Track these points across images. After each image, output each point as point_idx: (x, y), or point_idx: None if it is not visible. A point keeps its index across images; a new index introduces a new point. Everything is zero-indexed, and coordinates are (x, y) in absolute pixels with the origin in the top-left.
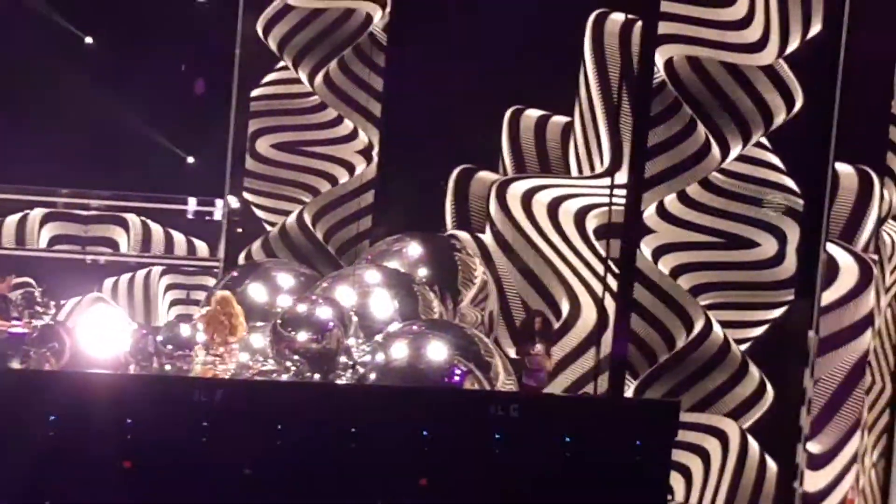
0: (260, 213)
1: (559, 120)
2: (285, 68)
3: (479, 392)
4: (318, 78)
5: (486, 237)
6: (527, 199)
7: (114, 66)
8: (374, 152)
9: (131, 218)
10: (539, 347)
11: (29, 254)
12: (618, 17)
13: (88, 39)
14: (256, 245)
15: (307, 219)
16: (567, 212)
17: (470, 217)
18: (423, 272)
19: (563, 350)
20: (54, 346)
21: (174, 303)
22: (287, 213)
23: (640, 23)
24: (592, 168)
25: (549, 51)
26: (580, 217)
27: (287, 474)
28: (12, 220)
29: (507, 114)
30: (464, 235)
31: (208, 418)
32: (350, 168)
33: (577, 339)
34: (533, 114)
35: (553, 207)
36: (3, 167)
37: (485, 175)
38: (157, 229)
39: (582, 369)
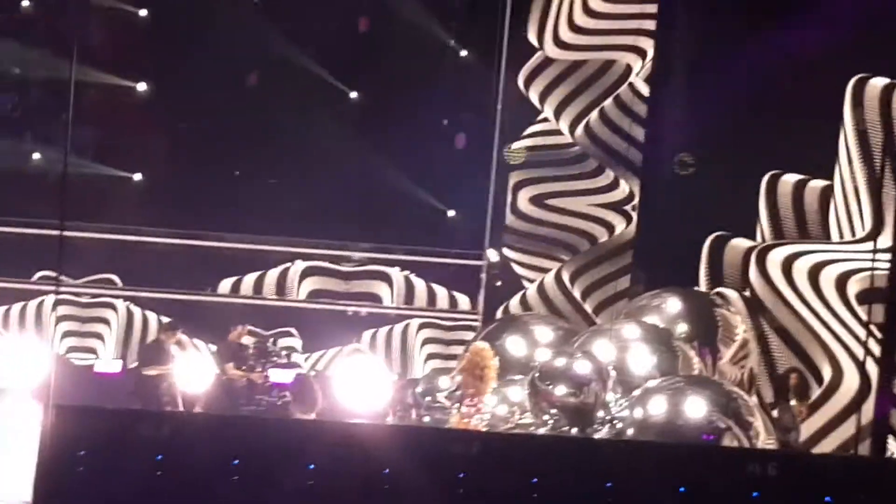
0: (519, 270)
1: (817, 184)
2: (546, 120)
3: (737, 449)
4: (579, 129)
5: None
6: (787, 264)
7: (376, 121)
8: (632, 206)
9: (394, 272)
10: (794, 404)
11: (291, 305)
12: (878, 82)
13: (353, 94)
14: (515, 301)
15: (565, 277)
16: (828, 277)
17: (724, 284)
18: (682, 328)
19: (824, 417)
20: (308, 396)
21: (431, 356)
22: (545, 270)
23: None
24: (853, 232)
25: (806, 114)
26: (841, 282)
27: None
28: (274, 272)
29: (765, 179)
30: (730, 293)
31: (465, 470)
32: (609, 227)
33: (838, 405)
34: (791, 178)
35: (814, 273)
36: (266, 220)
37: (739, 242)
38: (419, 283)
39: (845, 435)
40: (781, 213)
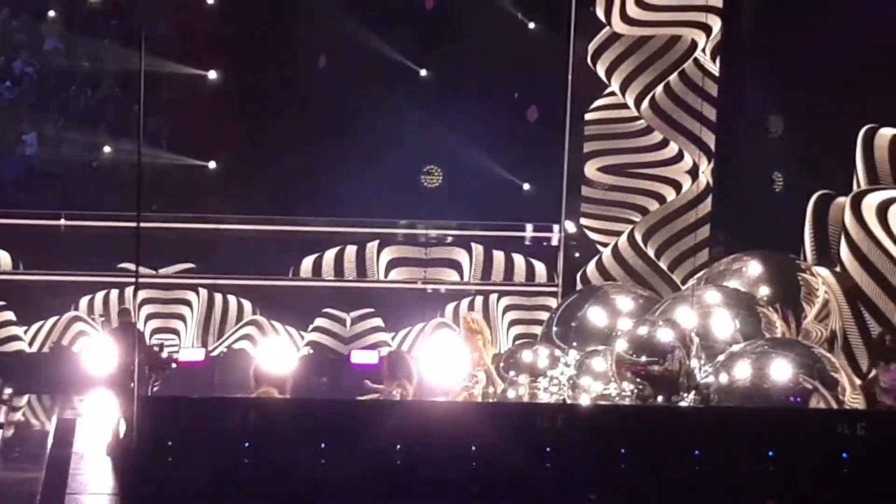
0: (593, 236)
1: None
2: (612, 94)
3: (826, 411)
4: (645, 103)
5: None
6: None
7: (448, 97)
8: (701, 171)
9: (471, 246)
10: (893, 365)
11: (370, 285)
12: None
13: (423, 72)
14: (591, 266)
15: (638, 238)
16: None
17: (829, 244)
18: (763, 290)
19: None
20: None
21: (513, 323)
22: (618, 233)
23: None
24: None
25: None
26: None
27: (632, 498)
28: (351, 251)
29: (862, 132)
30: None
31: (552, 444)
32: (677, 186)
33: None
34: (887, 132)
35: None
36: (342, 201)
37: (844, 200)
38: (497, 256)
39: None
40: (878, 166)
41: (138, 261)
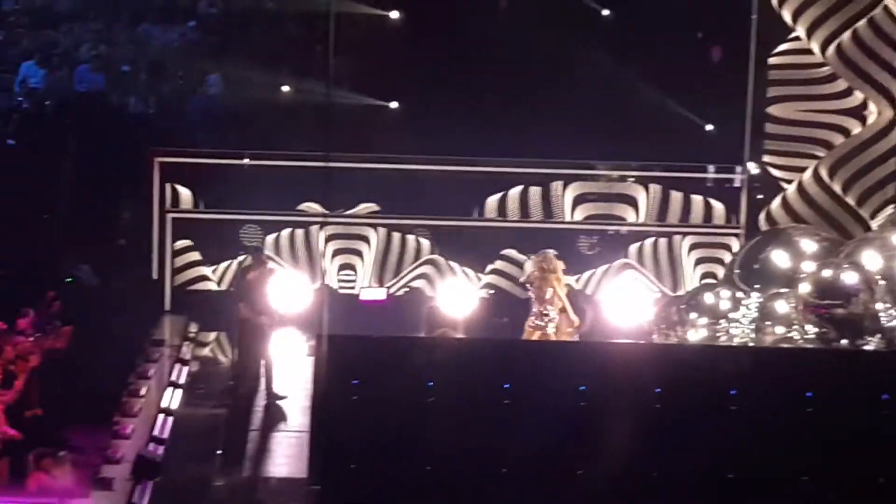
0: (776, 173)
1: None
2: (797, 38)
3: None
4: (830, 49)
5: None
6: None
7: (631, 38)
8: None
9: (652, 186)
10: None
11: (552, 226)
12: None
13: (605, 12)
14: (776, 204)
15: (823, 173)
16: None
17: None
18: None
19: None
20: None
21: (700, 261)
22: (802, 170)
23: None
24: None
25: None
26: None
27: (814, 442)
28: (535, 190)
29: None
30: None
31: (737, 387)
32: (862, 119)
33: None
34: None
35: None
36: (524, 142)
37: None
38: (675, 195)
39: None
40: None
41: (326, 199)
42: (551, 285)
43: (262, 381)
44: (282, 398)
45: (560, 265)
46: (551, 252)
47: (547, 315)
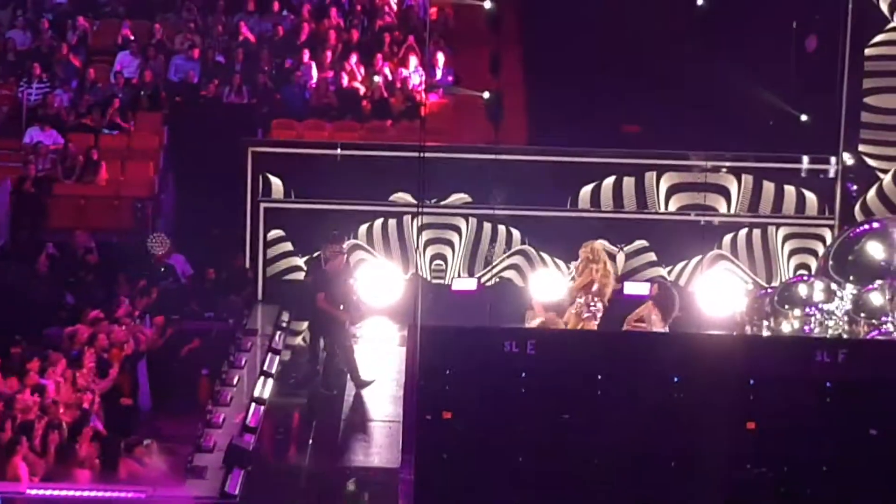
0: (872, 163)
1: None
2: (894, 29)
3: None
4: None
5: None
6: None
7: (726, 28)
8: None
9: (744, 177)
10: None
11: (642, 217)
12: None
13: (700, 1)
14: (871, 193)
15: None
16: None
17: None
18: None
19: None
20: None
21: (794, 252)
22: None
23: None
24: None
25: None
26: None
27: None
28: (630, 181)
29: None
30: None
31: (832, 378)
32: None
33: None
34: None
35: None
36: (618, 131)
37: None
38: (769, 187)
39: None
40: None
41: (422, 190)
42: (593, 276)
43: (346, 371)
44: (368, 383)
45: (605, 256)
46: (599, 243)
47: (593, 306)
